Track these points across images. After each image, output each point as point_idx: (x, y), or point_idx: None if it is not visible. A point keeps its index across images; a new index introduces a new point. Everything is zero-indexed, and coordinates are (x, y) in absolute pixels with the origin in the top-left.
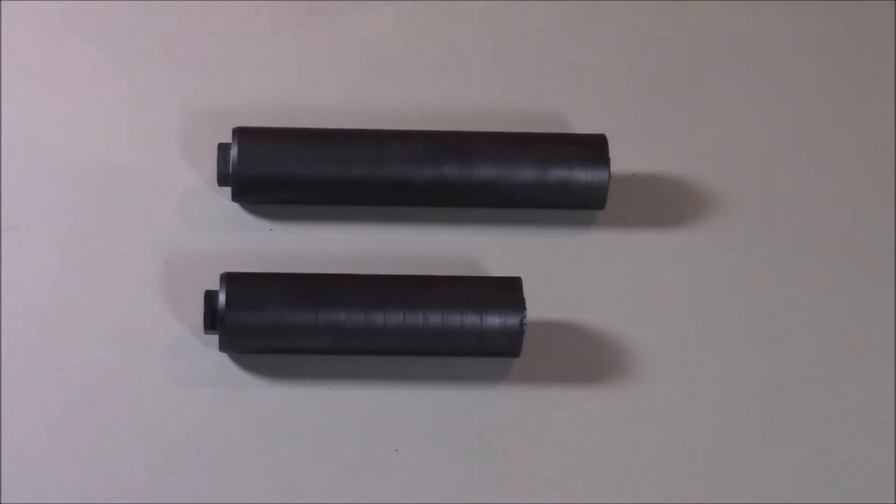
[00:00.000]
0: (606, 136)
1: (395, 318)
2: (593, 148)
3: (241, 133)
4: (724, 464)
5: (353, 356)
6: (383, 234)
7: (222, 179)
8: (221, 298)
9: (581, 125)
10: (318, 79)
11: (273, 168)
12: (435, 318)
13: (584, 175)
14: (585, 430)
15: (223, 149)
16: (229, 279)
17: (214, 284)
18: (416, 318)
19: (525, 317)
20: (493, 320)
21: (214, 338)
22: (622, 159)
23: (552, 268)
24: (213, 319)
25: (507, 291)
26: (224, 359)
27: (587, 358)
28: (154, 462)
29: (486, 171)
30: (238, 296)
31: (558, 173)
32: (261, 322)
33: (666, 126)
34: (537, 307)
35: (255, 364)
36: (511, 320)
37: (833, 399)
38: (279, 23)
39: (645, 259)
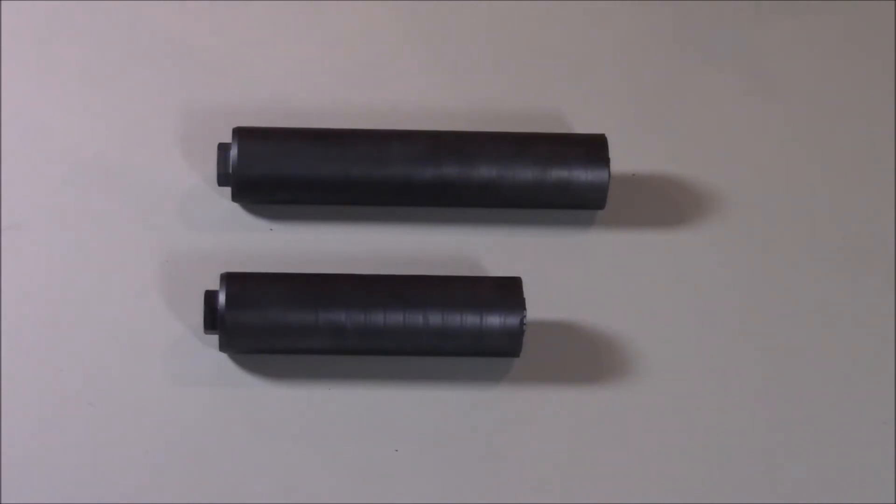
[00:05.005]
0: (606, 136)
1: (395, 318)
2: (593, 148)
3: (241, 133)
4: (724, 464)
5: (353, 356)
6: (383, 234)
7: (222, 179)
8: (221, 298)
9: (581, 125)
10: (317, 79)
11: (273, 168)
12: (435, 318)
13: (584, 175)
14: (585, 430)
15: (223, 149)
16: (229, 279)
17: (214, 284)
18: (416, 318)
19: (525, 317)
20: (493, 320)
21: (214, 338)
22: (622, 159)
23: (552, 268)
24: (213, 319)
25: (507, 291)
26: (224, 359)
27: (587, 358)
28: (154, 462)
29: (486, 171)
30: (238, 296)
31: (558, 173)
32: (261, 322)
33: (666, 126)
34: (537, 307)
35: (255, 364)
36: (511, 320)
37: (833, 399)
38: (279, 23)
39: (645, 259)
